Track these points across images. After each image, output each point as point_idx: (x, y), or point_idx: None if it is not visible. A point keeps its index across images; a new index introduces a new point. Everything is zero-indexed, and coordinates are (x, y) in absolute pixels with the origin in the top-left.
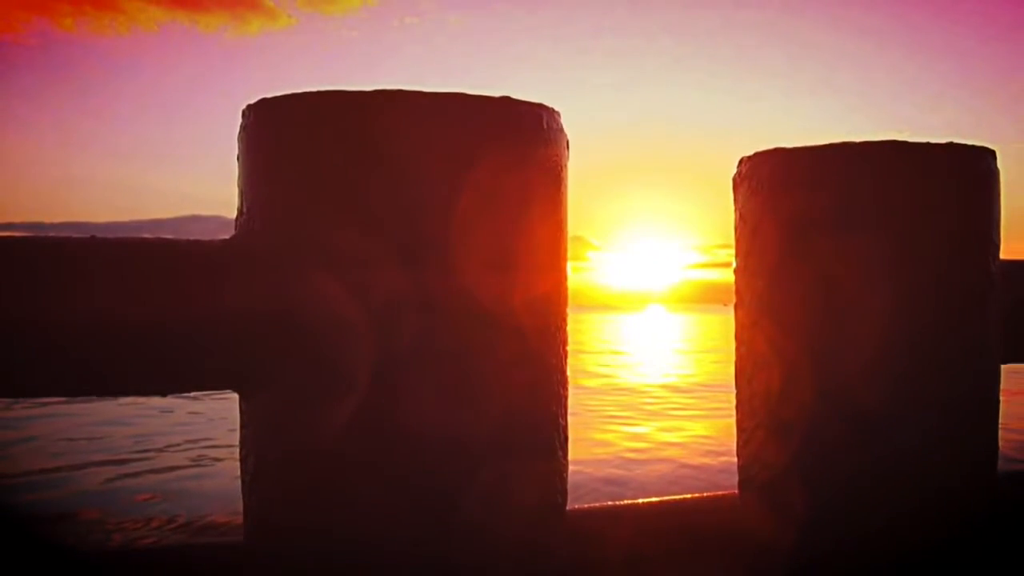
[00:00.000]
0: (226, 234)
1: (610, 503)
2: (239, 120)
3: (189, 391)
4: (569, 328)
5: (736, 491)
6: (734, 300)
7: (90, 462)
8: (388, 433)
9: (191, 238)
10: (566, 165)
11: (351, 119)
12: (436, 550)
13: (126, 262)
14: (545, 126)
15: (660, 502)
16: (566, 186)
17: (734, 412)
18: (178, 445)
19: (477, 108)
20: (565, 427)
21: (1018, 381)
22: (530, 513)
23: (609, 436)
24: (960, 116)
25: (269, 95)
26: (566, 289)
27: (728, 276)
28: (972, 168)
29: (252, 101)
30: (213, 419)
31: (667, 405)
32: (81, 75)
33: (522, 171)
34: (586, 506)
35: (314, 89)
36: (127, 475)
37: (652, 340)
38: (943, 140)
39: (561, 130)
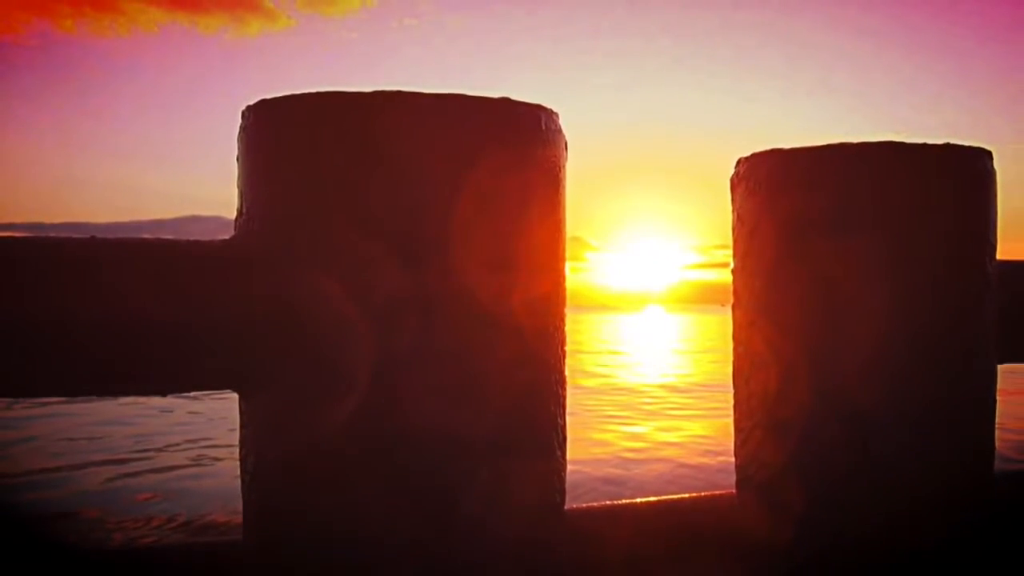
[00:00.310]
0: (226, 234)
1: (608, 502)
2: (239, 121)
3: (189, 391)
4: (568, 328)
5: (734, 490)
6: (732, 300)
7: (90, 462)
8: (388, 433)
9: (191, 238)
10: (565, 166)
11: (351, 120)
12: (435, 549)
13: (126, 262)
14: (544, 127)
15: (658, 501)
16: (564, 187)
17: (732, 412)
18: (178, 445)
19: (476, 109)
20: (564, 427)
21: (1014, 381)
22: (529, 512)
23: (607, 436)
24: (957, 117)
25: (269, 96)
26: (564, 289)
27: (726, 276)
28: (969, 169)
29: (252, 102)
30: (213, 419)
31: (665, 405)
32: (81, 76)
33: (521, 172)
34: (584, 505)
35: (314, 90)
36: (127, 474)
37: (650, 340)
38: (940, 141)
39: (560, 131)
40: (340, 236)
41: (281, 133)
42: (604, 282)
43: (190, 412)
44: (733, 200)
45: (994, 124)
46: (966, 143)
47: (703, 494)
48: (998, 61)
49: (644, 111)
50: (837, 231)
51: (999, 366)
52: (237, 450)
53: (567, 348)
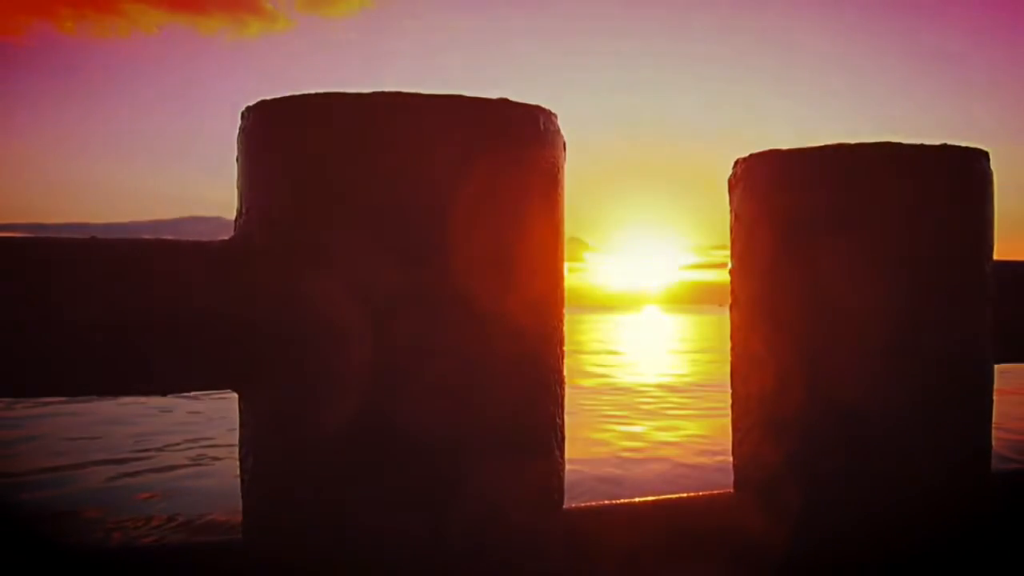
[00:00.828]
0: (226, 235)
1: (606, 502)
2: (238, 122)
3: (189, 391)
4: (566, 328)
5: (732, 490)
6: (729, 301)
7: (91, 461)
8: (386, 432)
9: (191, 238)
10: (563, 166)
11: (350, 120)
12: (434, 548)
13: (126, 263)
14: (542, 127)
15: (656, 501)
16: (563, 187)
17: (729, 412)
18: (178, 444)
19: (475, 110)
20: (562, 426)
21: (1012, 380)
22: (527, 511)
23: (606, 435)
24: (954, 118)
25: (268, 97)
26: (563, 290)
27: (724, 277)
28: (966, 169)
29: (251, 103)
30: (213, 419)
31: (663, 405)
32: (82, 77)
33: (519, 172)
34: (583, 505)
35: (313, 91)
36: (127, 474)
37: (648, 340)
38: (937, 142)
39: (558, 132)
40: (339, 236)
41: (281, 134)
42: (602, 282)
43: (190, 412)
44: (731, 201)
45: (991, 125)
46: (963, 144)
47: (701, 494)
48: (996, 62)
49: (643, 112)
50: (834, 232)
51: (996, 366)
52: (237, 450)
53: (565, 348)
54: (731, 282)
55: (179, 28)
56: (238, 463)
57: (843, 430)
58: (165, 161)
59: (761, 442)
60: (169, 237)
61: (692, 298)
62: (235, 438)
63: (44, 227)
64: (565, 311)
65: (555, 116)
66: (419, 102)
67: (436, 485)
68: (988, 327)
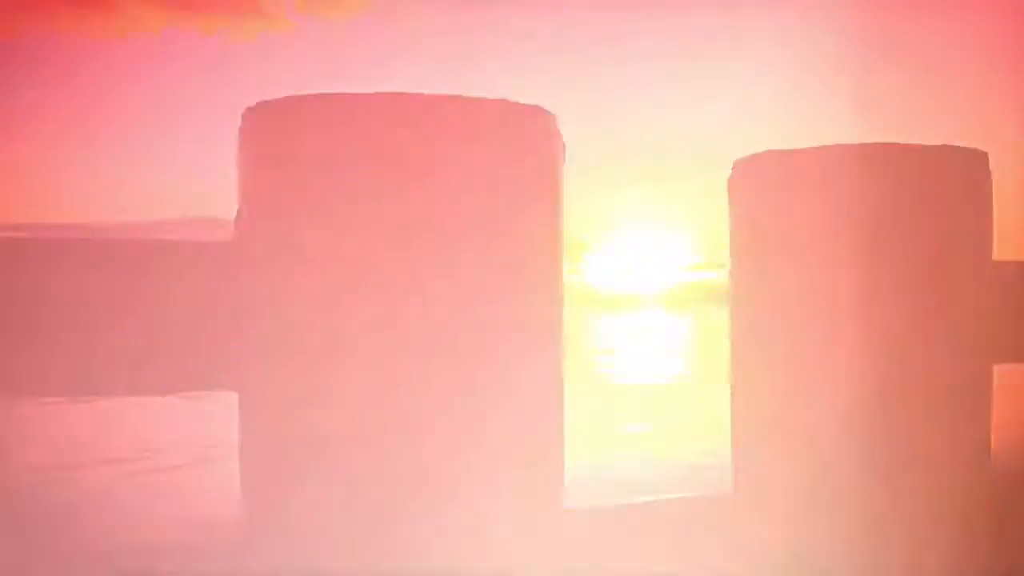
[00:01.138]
0: (226, 235)
1: (608, 502)
2: (239, 122)
3: (189, 391)
4: (566, 328)
5: (731, 490)
6: (730, 301)
7: (90, 461)
8: (386, 432)
9: (191, 239)
10: (562, 167)
11: (350, 121)
12: (435, 548)
13: (126, 263)
14: (541, 128)
15: (657, 500)
16: (562, 188)
17: (730, 412)
18: (178, 445)
19: (474, 110)
20: (562, 426)
21: (1011, 380)
22: (528, 511)
23: (606, 435)
24: (954, 118)
25: (268, 97)
26: (563, 289)
27: (724, 277)
28: (966, 169)
29: (251, 103)
30: (213, 419)
31: (663, 405)
32: (81, 77)
33: (519, 173)
34: (583, 505)
35: (312, 91)
36: (127, 474)
37: (648, 340)
38: (937, 142)
39: (557, 133)
40: (339, 236)
41: (280, 134)
42: (602, 283)
43: (190, 412)
44: (731, 201)
45: (992, 125)
46: (963, 144)
47: (701, 494)
48: (995, 62)
49: (643, 112)
50: (834, 231)
51: (996, 366)
52: (237, 450)
53: (565, 348)
54: (731, 282)
55: (179, 29)
56: (238, 463)
57: (843, 430)
58: (165, 161)
59: (761, 442)
60: (169, 237)
61: (692, 298)
62: (235, 438)
63: (44, 227)
64: (565, 311)
65: (554, 117)
66: (419, 102)
67: (436, 484)
68: (988, 327)
